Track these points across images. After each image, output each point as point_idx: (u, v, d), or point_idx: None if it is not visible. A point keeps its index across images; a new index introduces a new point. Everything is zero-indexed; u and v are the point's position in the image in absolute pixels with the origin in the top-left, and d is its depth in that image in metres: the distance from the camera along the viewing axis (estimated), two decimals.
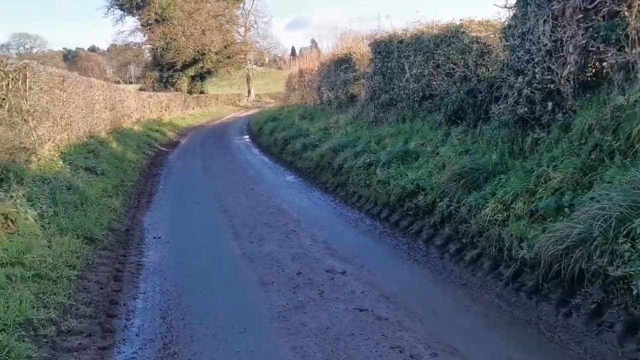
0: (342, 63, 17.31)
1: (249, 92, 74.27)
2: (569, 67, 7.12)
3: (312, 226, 8.52)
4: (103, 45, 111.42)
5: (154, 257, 7.30)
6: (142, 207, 10.73)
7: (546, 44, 7.38)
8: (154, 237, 8.31)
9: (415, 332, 4.71)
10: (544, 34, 7.42)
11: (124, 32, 47.83)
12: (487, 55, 9.39)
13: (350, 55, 16.78)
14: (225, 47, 49.62)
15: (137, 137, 20.82)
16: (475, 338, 4.63)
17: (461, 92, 9.75)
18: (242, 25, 57.41)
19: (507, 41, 8.39)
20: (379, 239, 7.84)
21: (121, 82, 69.94)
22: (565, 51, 7.12)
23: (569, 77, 7.09)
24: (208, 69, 49.67)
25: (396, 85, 12.90)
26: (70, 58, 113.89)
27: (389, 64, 13.25)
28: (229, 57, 50.83)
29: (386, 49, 13.44)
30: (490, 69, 9.36)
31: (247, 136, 26.48)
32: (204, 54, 46.30)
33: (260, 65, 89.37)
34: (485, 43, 9.55)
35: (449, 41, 10.56)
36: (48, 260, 6.01)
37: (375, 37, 14.19)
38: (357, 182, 10.48)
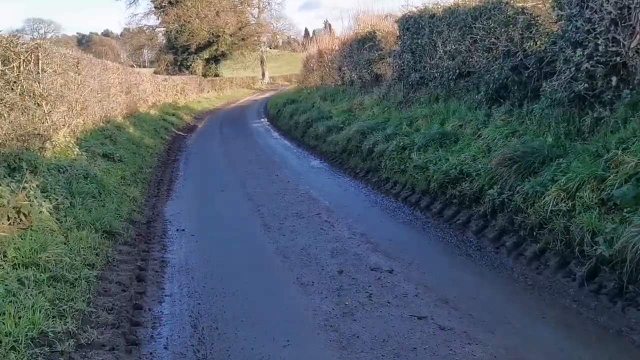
0: (366, 42, 16.48)
1: (263, 74, 73.42)
2: (638, 37, 6.33)
3: (347, 216, 7.84)
4: (117, 30, 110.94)
5: (178, 253, 6.68)
6: (162, 195, 10.11)
7: (610, 12, 6.57)
8: (178, 230, 7.69)
9: (488, 346, 4.03)
10: (608, 1, 6.61)
11: (137, 14, 47.18)
12: (535, 27, 8.56)
13: (375, 33, 15.95)
14: (240, 29, 48.75)
15: (154, 122, 20.22)
16: (561, 353, 3.94)
17: (504, 68, 8.95)
18: (255, 7, 56.44)
19: (561, 10, 7.57)
20: (423, 231, 7.14)
21: (135, 66, 69.46)
22: (634, 19, 6.32)
23: (638, 49, 6.30)
24: (222, 51, 48.91)
25: (427, 63, 12.10)
26: (84, 42, 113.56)
27: (419, 41, 12.43)
28: (243, 39, 49.98)
29: (416, 25, 12.61)
30: (538, 42, 8.54)
31: (265, 119, 25.77)
32: (218, 36, 45.51)
33: (274, 48, 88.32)
34: (532, 14, 8.72)
35: (489, 14, 9.73)
36: (65, 259, 5.41)
37: (404, 12, 13.35)
38: (391, 168, 9.76)
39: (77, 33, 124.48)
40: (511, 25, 9.06)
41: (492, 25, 9.59)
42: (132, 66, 56.21)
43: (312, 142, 15.19)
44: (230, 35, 46.82)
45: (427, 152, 9.18)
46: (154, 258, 6.50)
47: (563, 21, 7.54)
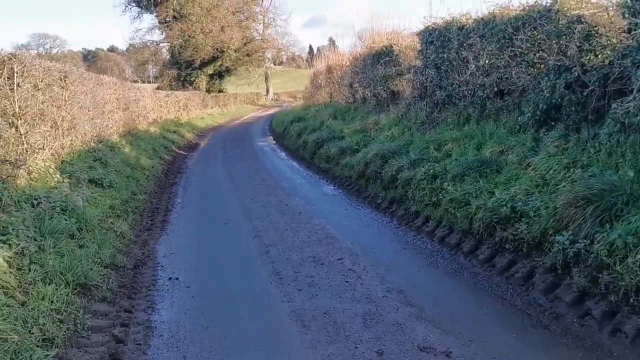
0: (381, 57, 15.17)
1: (268, 91, 72.51)
2: None
3: (376, 263, 6.41)
4: (122, 45, 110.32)
5: (169, 314, 5.26)
6: (156, 229, 8.70)
7: None
8: (170, 279, 6.26)
9: None
10: None
11: (141, 29, 46.15)
12: (596, 39, 7.19)
13: (392, 47, 14.63)
14: (245, 45, 47.65)
15: (153, 140, 18.87)
16: None
17: (558, 86, 7.56)
18: (260, 22, 55.46)
19: (636, 18, 6.20)
20: (475, 287, 5.69)
21: (139, 81, 68.39)
22: None
23: None
24: (227, 67, 47.79)
25: (456, 80, 10.73)
26: (90, 58, 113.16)
27: (446, 55, 11.09)
28: (248, 55, 48.86)
29: (441, 38, 11.28)
30: (600, 56, 7.16)
31: (270, 137, 24.43)
32: (223, 51, 44.37)
33: (278, 64, 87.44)
34: (590, 23, 7.36)
35: (534, 23, 8.37)
36: (11, 337, 3.99)
37: (426, 24, 12.03)
38: (420, 199, 8.34)
39: (82, 48, 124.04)
40: (564, 37, 7.69)
41: (539, 36, 8.22)
42: (136, 81, 55.08)
43: (323, 165, 13.82)
44: (235, 51, 45.68)
45: (464, 183, 7.77)
46: (138, 322, 5.08)
47: (639, 30, 6.17)
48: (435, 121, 11.47)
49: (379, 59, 15.35)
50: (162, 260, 6.98)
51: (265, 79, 70.53)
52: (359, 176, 11.14)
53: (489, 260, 6.24)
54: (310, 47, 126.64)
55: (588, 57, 7.29)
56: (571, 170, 6.55)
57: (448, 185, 8.01)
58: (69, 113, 10.39)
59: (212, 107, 41.74)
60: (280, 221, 8.66)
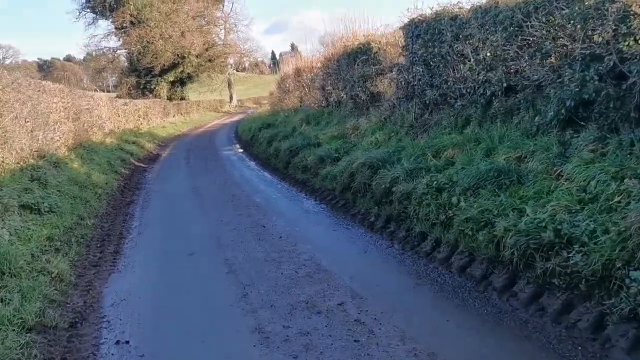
0: (358, 55, 13.75)
1: (231, 97, 70.73)
2: None
3: (389, 309, 4.93)
4: (78, 55, 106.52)
5: None
6: (105, 264, 7.05)
7: None
8: (118, 342, 4.66)
9: None
10: None
11: (96, 36, 43.65)
12: (637, 20, 5.90)
13: (370, 45, 13.23)
14: (207, 50, 45.73)
15: (109, 152, 17.04)
16: None
17: (589, 78, 6.24)
18: (222, 28, 53.59)
19: None
20: (530, 343, 4.24)
21: (98, 90, 65.59)
22: None
23: None
24: (188, 73, 45.76)
25: (450, 77, 9.38)
26: (46, 68, 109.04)
27: (436, 50, 9.74)
28: (210, 61, 46.93)
29: (430, 31, 9.93)
30: None
31: (237, 145, 22.78)
32: (184, 57, 42.38)
33: (241, 70, 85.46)
34: (625, 2, 6.07)
35: (549, 7, 7.06)
36: None
37: (411, 17, 10.67)
38: (425, 218, 6.91)
39: (38, 59, 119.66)
40: (592, 20, 6.38)
41: (557, 21, 6.91)
42: (96, 90, 52.62)
43: (299, 175, 12.30)
44: (197, 57, 43.73)
45: (479, 197, 6.37)
46: None
47: None
48: (426, 124, 10.09)
49: (356, 59, 13.93)
50: (109, 312, 5.35)
51: (229, 85, 68.67)
52: (344, 189, 9.66)
53: (534, 301, 4.83)
54: (273, 53, 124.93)
55: (627, 43, 5.97)
56: (623, 181, 5.21)
57: (459, 200, 6.60)
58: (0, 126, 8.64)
59: (174, 116, 39.77)
60: (257, 250, 7.10)
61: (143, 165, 17.56)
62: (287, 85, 23.55)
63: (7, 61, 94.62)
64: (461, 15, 9.15)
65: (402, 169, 8.25)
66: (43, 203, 8.17)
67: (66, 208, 8.91)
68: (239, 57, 56.79)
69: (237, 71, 78.55)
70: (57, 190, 9.55)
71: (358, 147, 11.40)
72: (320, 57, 18.09)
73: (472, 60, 8.70)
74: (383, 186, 8.24)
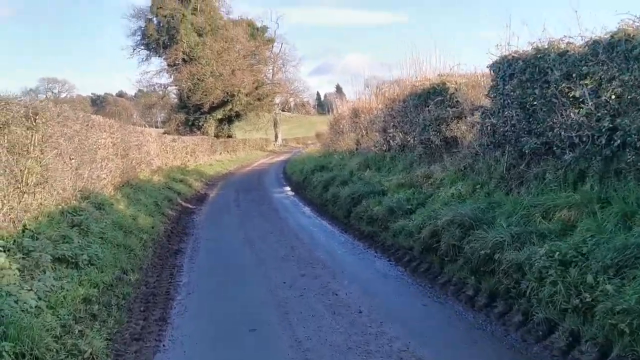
0: (430, 96, 12.43)
1: (276, 136, 70.59)
2: None
3: None
4: (130, 90, 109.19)
5: None
6: (149, 338, 5.74)
7: None
8: None
9: None
10: None
11: (149, 72, 43.90)
12: None
13: (445, 85, 11.91)
14: (256, 89, 45.44)
15: (156, 191, 16.05)
16: None
17: None
18: (270, 68, 53.49)
19: None
20: None
21: (147, 126, 66.29)
22: None
23: None
24: (237, 111, 45.44)
25: (557, 123, 7.91)
26: (99, 103, 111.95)
27: (537, 91, 8.31)
28: (259, 99, 46.58)
29: (529, 70, 8.52)
30: None
31: (288, 187, 21.61)
32: (234, 95, 42.08)
33: (285, 110, 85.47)
34: None
35: None
36: None
37: (502, 54, 9.32)
38: (549, 299, 5.38)
39: (91, 93, 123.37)
40: None
41: None
42: (144, 126, 52.96)
43: (365, 228, 10.94)
44: (246, 95, 43.40)
45: (634, 282, 4.83)
46: None
47: None
48: (522, 177, 8.59)
49: (427, 100, 12.60)
50: None
51: (274, 124, 68.56)
52: (426, 249, 8.22)
53: None
54: (318, 94, 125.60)
55: None
56: None
57: (598, 280, 5.08)
58: (38, 163, 7.57)
59: (220, 153, 39.20)
60: (335, 329, 5.68)
61: (190, 207, 16.48)
62: (342, 126, 22.40)
63: (62, 95, 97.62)
64: (572, 51, 7.74)
65: (505, 232, 6.77)
66: (82, 255, 6.99)
67: (108, 259, 7.72)
68: (286, 97, 56.36)
69: (283, 111, 78.64)
70: (99, 238, 8.40)
71: (435, 199, 9.97)
72: (382, 97, 16.83)
73: (589, 103, 7.24)
74: (482, 252, 6.76)
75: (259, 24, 49.53)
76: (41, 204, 7.72)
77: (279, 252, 9.53)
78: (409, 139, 13.98)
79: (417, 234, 8.67)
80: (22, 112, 7.17)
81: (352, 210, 12.37)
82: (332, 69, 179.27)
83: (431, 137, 12.19)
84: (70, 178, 9.41)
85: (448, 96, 11.83)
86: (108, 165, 12.83)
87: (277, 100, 60.66)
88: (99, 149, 12.12)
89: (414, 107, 13.58)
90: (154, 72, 43.72)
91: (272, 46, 52.46)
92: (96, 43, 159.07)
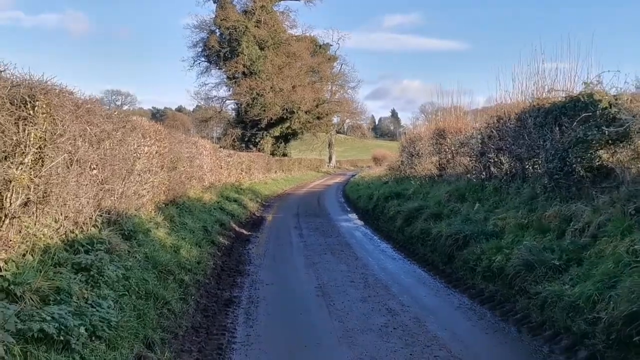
0: (565, 112, 9.27)
1: (330, 158, 68.02)
2: None
3: None
4: (188, 104, 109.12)
5: None
6: None
7: None
8: None
9: None
10: None
11: (207, 84, 42.04)
12: None
13: (593, 96, 8.75)
14: (316, 106, 42.90)
15: (206, 213, 13.40)
16: None
17: None
18: (330, 88, 50.88)
19: None
20: None
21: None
22: None
23: None
24: (294, 130, 42.98)
25: None
26: (159, 116, 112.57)
27: None
28: (318, 118, 44.03)
29: None
30: None
31: (354, 215, 18.65)
32: (293, 112, 39.66)
33: (340, 132, 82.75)
34: None
35: None
36: None
37: None
38: None
39: (152, 107, 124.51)
40: None
41: None
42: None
43: (482, 284, 7.91)
44: (306, 112, 40.91)
45: None
46: None
47: None
48: None
49: (559, 117, 9.42)
50: None
51: (329, 145, 66.10)
52: (617, 341, 5.05)
53: None
54: (373, 118, 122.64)
55: None
56: None
57: None
58: (33, 172, 4.86)
59: (275, 172, 36.70)
60: None
61: (245, 233, 13.71)
62: (418, 148, 19.31)
63: (125, 107, 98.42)
64: None
65: None
66: (78, 327, 4.18)
67: (126, 324, 4.91)
68: (346, 116, 53.59)
69: (338, 132, 76.02)
70: (122, 286, 5.63)
71: (597, 254, 6.78)
72: (482, 115, 13.65)
73: None
74: None
75: (321, 42, 47.25)
76: (34, 234, 4.99)
77: (371, 319, 6.52)
78: (527, 166, 10.77)
79: (592, 311, 5.55)
80: (7, 92, 4.49)
81: (456, 255, 9.31)
82: (387, 94, 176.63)
83: (573, 165, 8.95)
84: (92, 195, 6.72)
85: (598, 112, 8.63)
86: (150, 179, 10.20)
87: (335, 120, 58.15)
88: (139, 158, 9.50)
89: (536, 126, 10.41)
90: (212, 84, 41.93)
91: (334, 65, 49.99)
92: (161, 56, 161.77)
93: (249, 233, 13.79)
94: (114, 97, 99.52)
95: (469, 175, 13.47)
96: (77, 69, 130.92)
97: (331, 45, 48.47)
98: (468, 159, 14.32)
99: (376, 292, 7.80)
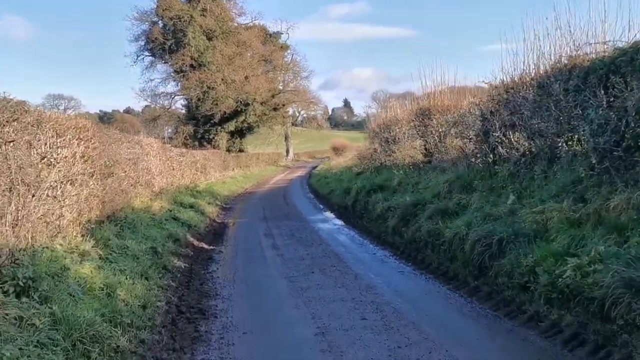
0: (620, 70, 7.02)
1: (288, 151, 65.36)
2: None
3: None
4: (138, 107, 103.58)
5: None
6: None
7: None
8: None
9: None
10: None
11: (153, 80, 38.44)
12: None
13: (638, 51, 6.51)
14: (273, 97, 40.09)
15: (157, 226, 10.66)
16: None
17: None
18: (283, 80, 47.98)
19: None
20: None
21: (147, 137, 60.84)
22: None
23: None
24: (249, 123, 40.04)
25: None
26: (106, 120, 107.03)
27: None
28: (275, 109, 41.22)
29: None
30: None
31: (329, 213, 16.20)
32: (248, 104, 36.74)
33: (295, 125, 79.95)
34: None
35: None
36: None
37: None
38: None
39: (99, 110, 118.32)
40: None
41: None
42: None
43: (545, 309, 5.54)
44: (262, 104, 38.05)
45: None
46: None
47: None
48: None
49: (608, 76, 7.15)
50: None
51: (285, 138, 63.47)
52: None
53: None
54: (326, 107, 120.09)
55: None
56: None
57: None
58: None
59: (233, 169, 33.81)
60: None
61: (206, 247, 11.02)
62: (395, 132, 16.94)
63: (69, 112, 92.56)
64: None
65: None
66: None
67: None
68: (304, 106, 50.83)
69: (294, 125, 73.25)
70: None
71: None
72: (487, 85, 11.29)
73: None
74: None
75: (271, 31, 44.37)
76: None
77: None
78: (558, 144, 8.44)
79: None
80: None
81: (489, 265, 6.94)
82: (339, 84, 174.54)
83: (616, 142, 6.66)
84: None
85: None
86: (72, 192, 7.39)
87: (291, 111, 55.49)
88: (52, 165, 6.69)
89: (568, 92, 8.12)
90: (159, 79, 38.43)
91: (286, 54, 47.15)
92: (109, 62, 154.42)
93: (211, 247, 11.09)
94: (56, 101, 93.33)
95: (473, 160, 11.08)
96: (18, 76, 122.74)
97: (282, 34, 45.75)
98: (465, 140, 11.99)
99: (406, 337, 5.32)
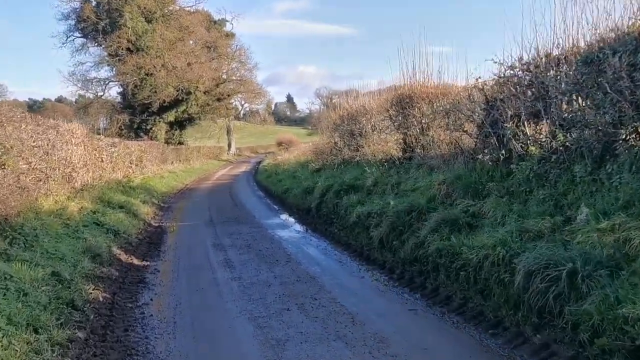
0: None
1: (230, 145, 62.15)
2: None
3: None
4: (72, 96, 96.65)
5: None
6: None
7: None
8: None
9: None
10: None
11: (85, 63, 34.17)
12: None
13: None
14: (217, 86, 36.86)
15: (70, 236, 7.81)
16: None
17: None
18: (229, 69, 44.68)
19: None
20: None
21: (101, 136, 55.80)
22: None
23: None
24: (190, 114, 36.66)
25: None
26: (36, 108, 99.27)
27: None
28: (219, 100, 37.98)
29: None
30: None
31: (287, 215, 13.63)
32: (189, 93, 33.40)
33: (236, 118, 76.42)
34: None
35: None
36: None
37: None
38: None
39: (29, 99, 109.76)
40: None
41: None
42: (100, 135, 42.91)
43: None
44: (205, 93, 34.77)
45: None
46: None
47: None
48: None
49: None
50: None
51: (228, 132, 60.27)
52: None
53: None
54: (270, 102, 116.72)
55: None
56: None
57: None
58: None
59: (172, 163, 30.54)
60: None
61: (137, 264, 8.20)
62: (361, 125, 14.57)
63: None
64: None
65: None
66: None
67: None
68: (250, 97, 47.60)
69: (236, 119, 69.76)
70: None
71: None
72: (499, 67, 9.01)
73: None
74: None
75: (216, 18, 41.09)
76: None
77: None
78: (622, 135, 6.23)
79: None
80: None
81: (559, 311, 4.64)
82: (283, 79, 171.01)
83: None
84: None
85: None
86: None
87: (235, 103, 52.28)
88: None
89: (635, 68, 5.95)
90: (91, 63, 34.23)
91: (231, 43, 43.87)
92: (43, 50, 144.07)
93: (144, 263, 8.30)
94: None
95: (479, 156, 8.79)
96: None
97: (227, 22, 42.50)
98: (461, 132, 9.73)
99: None
